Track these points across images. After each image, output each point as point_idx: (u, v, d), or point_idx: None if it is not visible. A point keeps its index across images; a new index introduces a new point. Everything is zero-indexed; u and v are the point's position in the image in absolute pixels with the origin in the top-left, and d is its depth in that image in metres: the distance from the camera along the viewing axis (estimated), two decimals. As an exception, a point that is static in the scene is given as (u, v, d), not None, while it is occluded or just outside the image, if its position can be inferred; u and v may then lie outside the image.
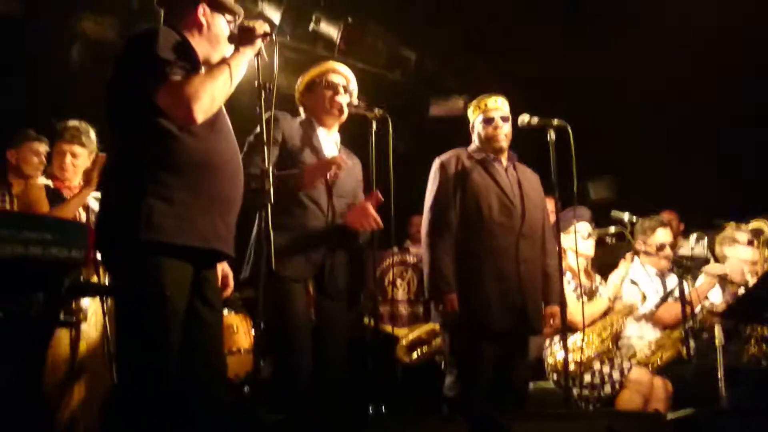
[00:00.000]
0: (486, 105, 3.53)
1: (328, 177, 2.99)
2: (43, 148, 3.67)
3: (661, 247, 4.27)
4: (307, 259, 2.96)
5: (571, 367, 3.67)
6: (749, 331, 4.10)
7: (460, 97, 6.02)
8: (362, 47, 5.67)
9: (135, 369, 2.18)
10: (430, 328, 4.64)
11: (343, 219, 3.06)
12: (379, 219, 3.01)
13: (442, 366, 4.32)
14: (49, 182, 3.46)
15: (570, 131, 3.29)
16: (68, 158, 3.49)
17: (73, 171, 3.50)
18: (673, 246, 4.56)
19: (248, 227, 2.89)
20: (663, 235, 4.31)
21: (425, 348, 4.71)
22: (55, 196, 3.40)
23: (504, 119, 3.50)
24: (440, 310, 3.32)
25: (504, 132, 3.49)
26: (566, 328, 3.30)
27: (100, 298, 3.23)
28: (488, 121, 3.50)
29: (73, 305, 3.16)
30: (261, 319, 2.48)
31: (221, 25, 2.45)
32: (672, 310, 4.08)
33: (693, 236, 4.55)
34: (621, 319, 3.94)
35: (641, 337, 4.13)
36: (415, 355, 4.71)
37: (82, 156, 3.51)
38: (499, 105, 3.53)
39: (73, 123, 3.54)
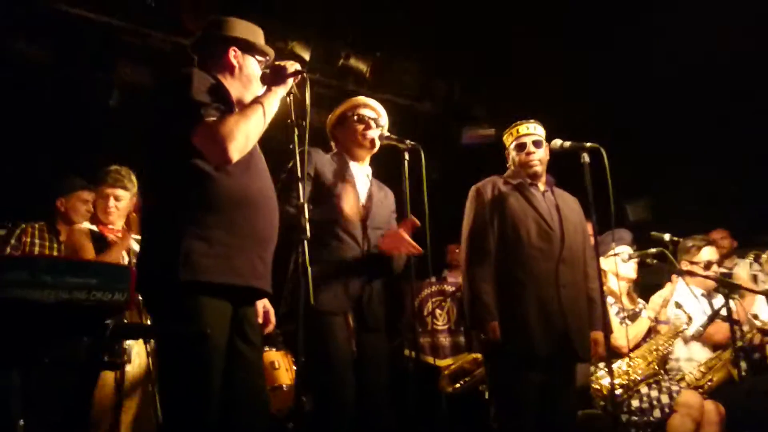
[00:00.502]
0: (518, 131, 3.52)
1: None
2: (90, 196, 3.77)
3: (708, 265, 4.17)
4: (345, 291, 2.96)
5: (618, 392, 3.59)
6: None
7: (490, 124, 6.03)
8: (391, 80, 5.73)
9: (179, 408, 2.19)
10: (472, 358, 4.59)
11: (377, 248, 3.06)
12: (414, 243, 2.99)
13: (486, 396, 4.26)
14: (93, 227, 3.54)
15: (604, 153, 3.25)
16: (112, 202, 3.57)
17: (117, 214, 3.59)
18: (721, 264, 4.47)
19: (285, 263, 2.90)
20: (709, 253, 4.21)
21: (468, 378, 4.65)
22: (99, 239, 3.47)
23: (537, 144, 3.48)
24: (482, 339, 3.28)
25: (538, 157, 3.46)
26: (611, 354, 3.23)
27: (144, 340, 3.26)
28: (521, 146, 3.49)
29: (117, 347, 3.20)
30: (301, 353, 2.47)
31: (253, 66, 2.50)
32: (721, 329, 3.97)
33: (750, 257, 4.46)
34: (667, 341, 3.85)
35: (690, 359, 4.03)
36: (458, 385, 4.65)
37: (124, 199, 3.60)
38: (531, 130, 3.51)
39: (115, 167, 3.64)
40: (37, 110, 4.78)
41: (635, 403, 3.69)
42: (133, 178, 3.63)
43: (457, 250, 5.03)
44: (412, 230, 3.02)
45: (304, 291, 2.29)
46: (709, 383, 3.88)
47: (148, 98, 2.55)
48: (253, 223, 2.32)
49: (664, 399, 3.67)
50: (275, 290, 2.47)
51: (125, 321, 3.12)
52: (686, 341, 4.05)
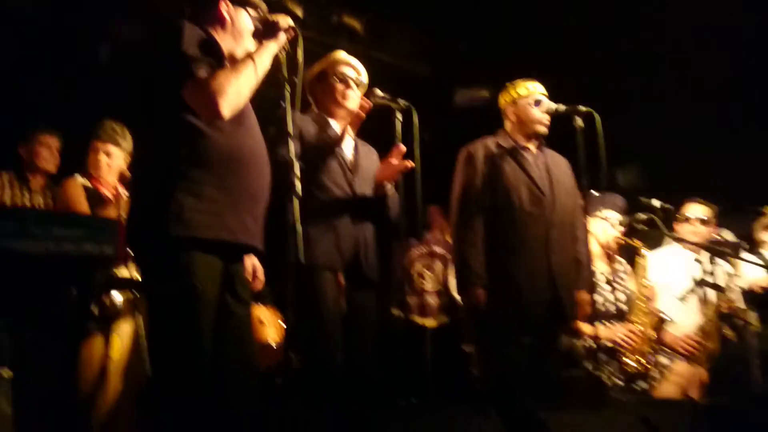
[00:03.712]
0: (535, 87, 3.46)
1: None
2: (53, 141, 3.73)
3: (699, 221, 4.20)
4: (338, 247, 2.96)
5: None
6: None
7: (484, 86, 5.98)
8: (386, 39, 5.66)
9: (169, 363, 2.21)
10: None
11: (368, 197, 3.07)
12: (406, 162, 3.00)
13: (470, 355, 4.32)
14: (87, 182, 3.52)
15: (597, 118, 3.25)
16: (102, 157, 3.54)
17: (107, 170, 3.55)
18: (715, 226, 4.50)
19: (277, 220, 2.90)
20: (696, 210, 4.24)
21: None
22: (93, 195, 3.46)
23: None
24: (468, 303, 3.31)
25: (548, 118, 3.43)
26: (596, 315, 3.26)
27: (132, 293, 3.27)
28: (538, 103, 3.43)
29: (106, 301, 3.22)
30: (291, 311, 2.49)
31: (244, 19, 2.46)
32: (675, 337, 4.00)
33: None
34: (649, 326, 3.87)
35: (676, 327, 4.06)
36: None
37: (116, 156, 3.56)
38: (544, 91, 3.47)
39: (110, 122, 3.60)
40: (25, 63, 4.71)
41: (643, 364, 3.75)
42: (128, 135, 3.59)
43: (438, 211, 5.06)
44: (401, 155, 3.02)
45: (293, 248, 2.30)
46: (709, 352, 3.93)
47: (139, 52, 2.51)
48: (245, 180, 2.31)
49: (654, 373, 3.74)
50: (266, 247, 2.47)
51: (114, 274, 3.13)
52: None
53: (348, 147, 3.16)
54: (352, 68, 3.20)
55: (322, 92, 3.20)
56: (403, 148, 3.01)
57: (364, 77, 3.22)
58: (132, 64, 2.52)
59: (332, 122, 3.17)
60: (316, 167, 3.01)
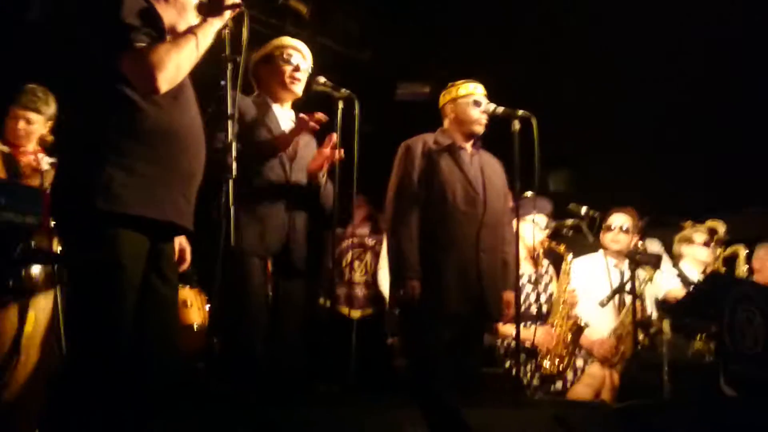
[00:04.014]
0: (475, 88, 3.54)
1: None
2: None
3: (615, 229, 4.33)
4: (269, 234, 2.94)
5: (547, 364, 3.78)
6: (696, 326, 4.21)
7: (426, 82, 6.01)
8: (332, 25, 5.61)
9: (86, 340, 2.13)
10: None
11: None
12: (337, 151, 3.00)
13: (393, 347, 4.35)
14: (5, 148, 3.36)
15: (534, 122, 3.31)
16: (21, 124, 3.38)
17: (26, 138, 3.39)
18: (637, 236, 4.66)
19: (209, 201, 2.84)
20: (619, 218, 4.38)
21: None
22: (9, 161, 3.30)
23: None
24: (401, 295, 3.33)
25: (486, 118, 3.50)
26: (519, 316, 3.34)
27: (52, 267, 3.15)
28: (477, 103, 3.50)
29: (24, 274, 3.08)
30: (216, 294, 2.45)
31: (189, -7, 2.39)
32: (604, 343, 4.12)
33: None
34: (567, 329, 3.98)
35: (593, 330, 4.19)
36: None
37: (37, 122, 3.40)
38: (483, 92, 3.55)
39: (31, 87, 3.43)
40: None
41: (557, 366, 3.85)
42: (51, 100, 3.43)
43: (359, 201, 5.06)
44: (333, 148, 3.01)
45: (224, 231, 2.26)
46: (622, 355, 4.07)
47: (74, 13, 2.40)
48: (178, 157, 2.25)
49: (569, 375, 3.85)
50: (196, 228, 2.42)
51: (34, 246, 3.00)
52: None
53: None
54: (298, 51, 3.17)
55: (267, 74, 3.16)
56: (335, 138, 3.00)
57: (310, 62, 3.20)
58: (65, 26, 2.41)
59: (275, 106, 3.13)
60: (252, 151, 2.97)
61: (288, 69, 3.12)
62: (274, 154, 2.98)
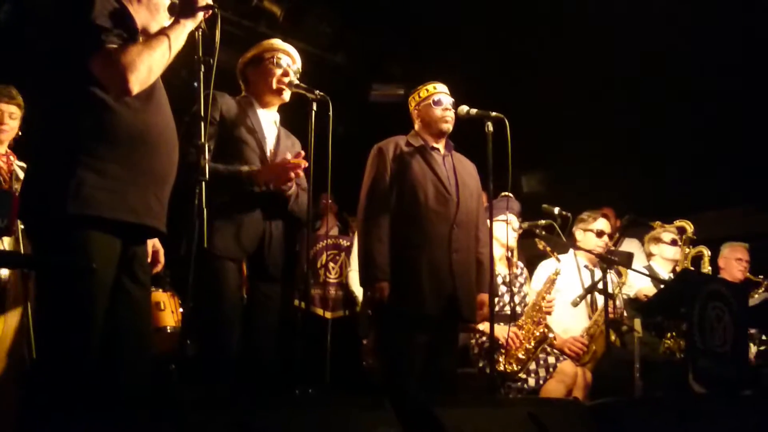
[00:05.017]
0: (435, 87, 3.59)
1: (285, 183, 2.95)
2: None
3: (600, 234, 4.41)
4: (243, 237, 2.92)
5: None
6: (667, 325, 4.28)
7: (400, 84, 6.03)
8: (305, 27, 5.61)
9: (56, 344, 2.11)
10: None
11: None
12: (297, 162, 2.93)
13: (367, 348, 4.35)
14: None
15: (507, 124, 3.34)
16: (6, 118, 3.35)
17: (8, 133, 3.36)
18: (612, 238, 4.74)
19: (183, 204, 2.82)
20: (603, 223, 4.47)
21: None
22: None
23: (451, 104, 3.54)
24: (370, 296, 3.34)
25: (451, 115, 3.53)
26: (493, 316, 3.36)
27: (21, 270, 3.11)
28: (438, 102, 3.53)
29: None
30: (190, 297, 2.44)
31: (161, -6, 2.38)
32: (563, 339, 4.15)
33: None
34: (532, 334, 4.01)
35: (566, 330, 4.23)
36: None
37: (17, 119, 3.38)
38: (446, 90, 3.59)
39: (3, 86, 3.39)
40: None
41: (513, 367, 3.88)
42: (20, 99, 3.40)
43: (326, 200, 5.07)
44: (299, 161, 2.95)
45: (198, 234, 2.25)
46: (594, 354, 4.11)
47: (44, 14, 2.38)
48: (150, 159, 2.24)
49: (542, 372, 3.88)
50: (169, 231, 2.40)
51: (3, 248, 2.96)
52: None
53: (271, 137, 3.12)
54: (288, 55, 3.18)
55: (256, 77, 3.15)
56: (302, 153, 2.97)
57: (298, 66, 3.20)
58: (36, 27, 2.39)
59: (258, 108, 3.12)
60: (232, 153, 2.96)
61: (277, 73, 3.11)
62: (250, 185, 2.93)
